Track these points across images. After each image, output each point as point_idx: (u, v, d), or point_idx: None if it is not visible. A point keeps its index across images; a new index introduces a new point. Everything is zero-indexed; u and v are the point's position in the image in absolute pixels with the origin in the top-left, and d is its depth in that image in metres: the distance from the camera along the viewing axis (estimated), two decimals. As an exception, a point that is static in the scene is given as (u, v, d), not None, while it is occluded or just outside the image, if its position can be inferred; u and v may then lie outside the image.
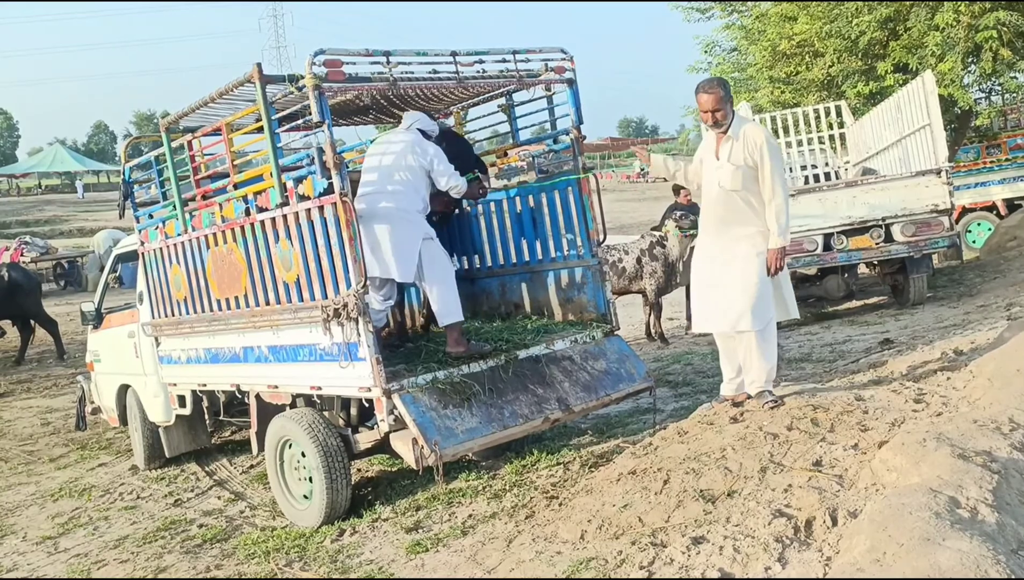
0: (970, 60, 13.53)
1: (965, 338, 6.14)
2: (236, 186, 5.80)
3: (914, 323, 8.96)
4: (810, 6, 14.73)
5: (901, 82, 12.82)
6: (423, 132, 5.79)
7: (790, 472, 3.95)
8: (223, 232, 5.95)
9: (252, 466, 7.50)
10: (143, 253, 7.11)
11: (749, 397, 5.11)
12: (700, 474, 4.19)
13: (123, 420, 8.25)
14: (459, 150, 5.96)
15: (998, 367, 4.84)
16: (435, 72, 5.44)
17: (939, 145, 9.72)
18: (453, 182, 5.66)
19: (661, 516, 4.01)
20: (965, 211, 14.71)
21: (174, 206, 6.44)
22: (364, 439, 5.62)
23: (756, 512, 3.64)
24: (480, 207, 6.87)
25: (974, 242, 14.76)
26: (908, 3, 13.76)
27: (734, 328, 4.91)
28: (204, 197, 6.24)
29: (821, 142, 13.58)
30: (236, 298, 6.04)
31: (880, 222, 9.64)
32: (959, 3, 12.82)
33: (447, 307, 5.61)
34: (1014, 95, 15.69)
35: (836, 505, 3.50)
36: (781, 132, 13.29)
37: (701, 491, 4.05)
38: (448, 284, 5.66)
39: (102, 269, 21.70)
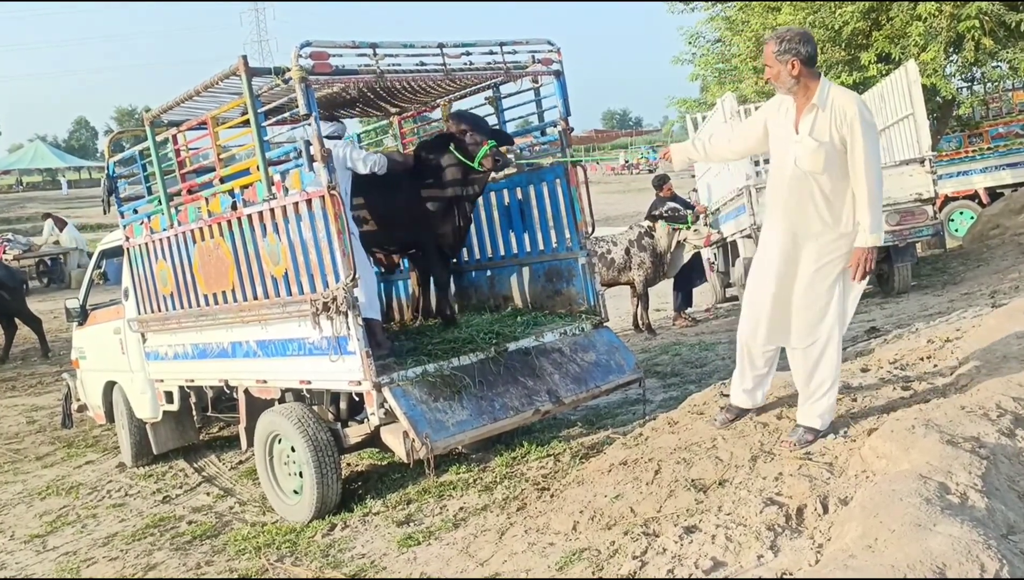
0: (952, 50, 13.62)
1: (950, 326, 6.17)
2: (222, 180, 5.77)
3: (899, 311, 9.02)
4: (794, -4, 14.77)
5: (884, 72, 12.89)
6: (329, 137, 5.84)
7: (780, 460, 3.97)
8: (210, 226, 5.92)
9: (241, 462, 7.48)
10: (128, 249, 7.06)
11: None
12: (691, 464, 4.20)
13: (109, 417, 8.19)
14: (471, 124, 5.95)
15: (984, 354, 4.88)
16: (422, 64, 5.43)
17: (922, 134, 9.79)
18: (369, 161, 5.83)
19: (653, 506, 4.02)
20: (948, 200, 14.81)
21: (159, 201, 6.39)
22: (354, 433, 5.61)
23: (747, 501, 3.66)
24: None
25: (957, 231, 14.87)
26: (891, -8, 13.82)
27: (791, 343, 4.19)
28: (190, 191, 6.20)
29: (806, 132, 13.60)
30: (223, 293, 6.00)
31: (865, 212, 9.67)
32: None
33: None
34: (996, 84, 15.81)
35: (827, 492, 3.52)
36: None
37: (692, 481, 4.06)
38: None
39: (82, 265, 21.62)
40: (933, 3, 12.76)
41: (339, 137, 6.15)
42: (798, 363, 4.17)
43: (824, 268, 4.01)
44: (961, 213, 15.10)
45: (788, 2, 14.92)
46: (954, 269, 11.76)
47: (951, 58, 14.25)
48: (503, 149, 6.06)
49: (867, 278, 4.03)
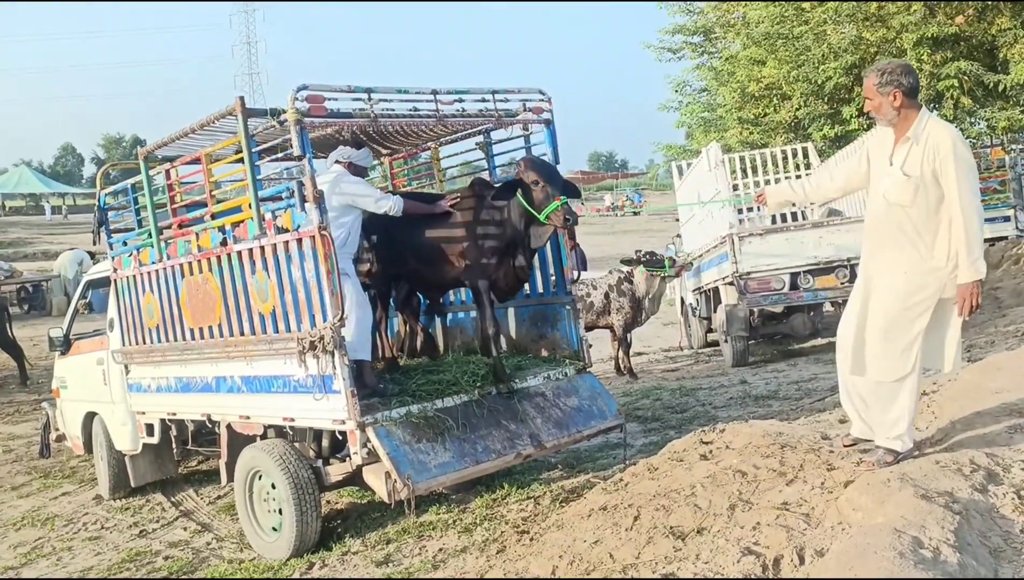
0: (932, 107, 13.96)
1: (927, 378, 6.27)
2: (214, 216, 5.83)
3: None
4: (779, 51, 15.13)
5: (866, 126, 13.19)
6: (350, 164, 5.88)
7: (758, 510, 4.02)
8: (199, 261, 5.96)
9: (219, 496, 7.44)
10: (115, 280, 7.08)
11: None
12: (670, 511, 4.24)
13: (88, 448, 8.15)
14: (544, 176, 5.54)
15: (960, 409, 4.97)
16: (415, 109, 5.54)
17: (902, 189, 9.97)
18: (384, 204, 5.71)
19: (632, 552, 4.05)
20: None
21: (149, 234, 6.44)
22: (335, 471, 5.62)
23: (725, 550, 3.70)
24: None
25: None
26: (872, 51, 14.18)
27: (861, 374, 4.15)
28: (181, 226, 6.26)
29: (789, 182, 13.83)
30: (210, 327, 6.03)
31: (845, 262, 9.86)
32: (922, 51, 13.25)
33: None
34: (975, 142, 16.16)
35: (803, 543, 3.57)
36: (750, 172, 13.56)
37: (671, 528, 4.10)
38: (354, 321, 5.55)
39: (66, 293, 21.45)
40: (914, 62, 13.08)
41: (364, 168, 6.06)
42: (881, 393, 4.12)
43: (914, 303, 3.95)
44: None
45: (773, 55, 15.25)
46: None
47: (932, 113, 14.56)
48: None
49: (972, 312, 3.93)
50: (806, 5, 14.89)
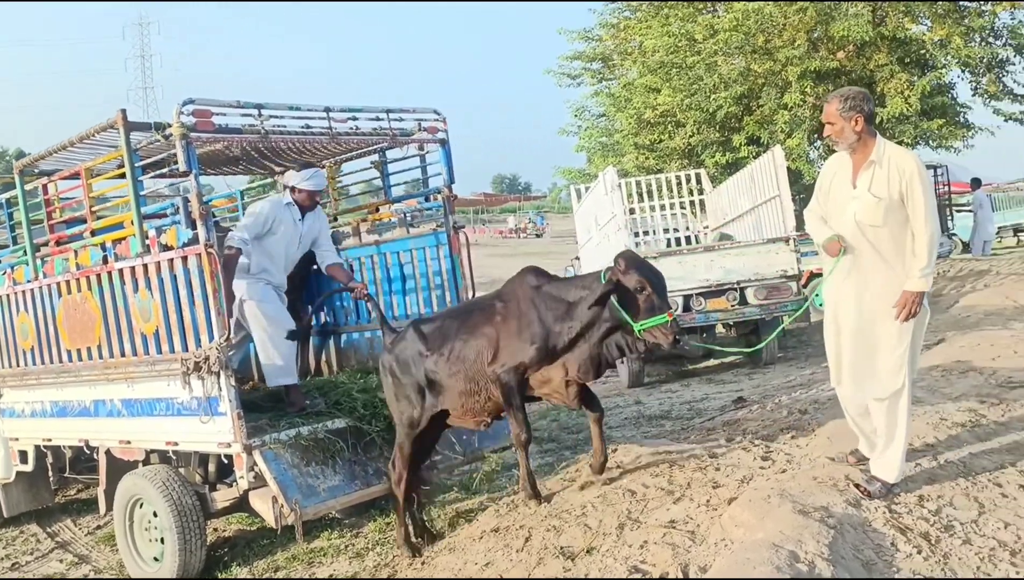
0: (816, 137, 14.60)
1: (809, 396, 6.53)
2: (94, 233, 5.60)
3: (766, 382, 9.44)
4: (673, 79, 15.59)
5: (755, 154, 13.71)
6: (293, 188, 5.82)
7: (646, 528, 4.08)
8: (77, 280, 5.71)
9: (99, 526, 7.11)
10: (-12, 299, 6.71)
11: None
12: (561, 531, 4.27)
13: (-44, 477, 7.66)
14: (652, 282, 4.42)
15: (839, 426, 5.18)
16: (308, 127, 5.46)
17: (787, 215, 10.40)
18: (229, 240, 5.58)
19: (522, 573, 4.06)
20: (812, 276, 15.67)
21: (25, 251, 6.14)
22: (222, 497, 5.45)
23: (613, 568, 3.74)
24: (352, 262, 6.84)
25: (821, 305, 15.66)
26: (760, 83, 14.77)
27: (867, 394, 4.13)
28: (58, 243, 5.99)
29: (682, 207, 14.24)
30: (88, 349, 5.78)
31: (735, 285, 10.16)
32: (805, 84, 13.87)
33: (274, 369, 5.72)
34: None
35: (688, 561, 3.64)
36: (645, 196, 13.90)
37: (561, 548, 4.12)
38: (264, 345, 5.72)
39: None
40: (798, 94, 13.68)
41: (308, 192, 5.84)
42: (872, 413, 4.14)
43: (893, 320, 3.98)
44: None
45: (668, 83, 15.70)
46: (817, 342, 12.26)
47: (815, 144, 15.28)
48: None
49: (913, 320, 3.97)
50: (698, 36, 15.41)
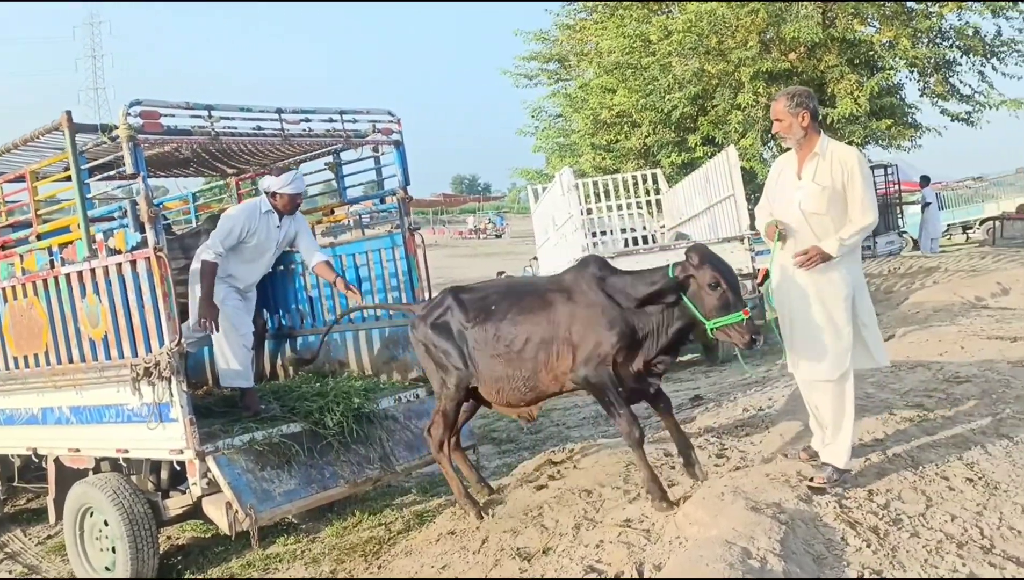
0: (768, 137, 14.80)
1: (764, 395, 6.60)
2: (40, 237, 5.48)
3: (722, 380, 9.53)
4: (628, 80, 15.69)
5: (709, 154, 13.85)
6: (270, 193, 5.77)
7: (602, 528, 4.10)
8: (23, 285, 5.59)
9: (49, 536, 6.94)
10: (-71, 305, 6.53)
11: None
12: (517, 532, 4.28)
13: (-103, 489, 7.44)
14: (726, 277, 4.28)
15: (791, 423, 5.26)
16: (259, 128, 5.40)
17: (742, 214, 10.52)
18: (203, 253, 5.59)
19: (479, 575, 4.06)
20: (768, 274, 15.88)
21: (-33, 256, 5.99)
22: (174, 505, 5.35)
23: (569, 568, 3.75)
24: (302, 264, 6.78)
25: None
26: (714, 83, 14.93)
27: (812, 376, 4.26)
28: (3, 247, 5.86)
29: (639, 207, 14.35)
30: (35, 355, 5.66)
31: (691, 284, 10.23)
32: (758, 84, 14.05)
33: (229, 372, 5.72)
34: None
35: (643, 559, 3.67)
36: (602, 196, 13.97)
37: (518, 549, 4.13)
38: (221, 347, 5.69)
39: None
40: (751, 94, 13.84)
41: (289, 196, 5.74)
42: (817, 398, 4.29)
43: (834, 303, 4.19)
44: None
45: (623, 84, 15.80)
46: (773, 340, 12.50)
47: (768, 144, 15.49)
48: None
49: (870, 307, 4.30)
50: (653, 37, 15.54)
